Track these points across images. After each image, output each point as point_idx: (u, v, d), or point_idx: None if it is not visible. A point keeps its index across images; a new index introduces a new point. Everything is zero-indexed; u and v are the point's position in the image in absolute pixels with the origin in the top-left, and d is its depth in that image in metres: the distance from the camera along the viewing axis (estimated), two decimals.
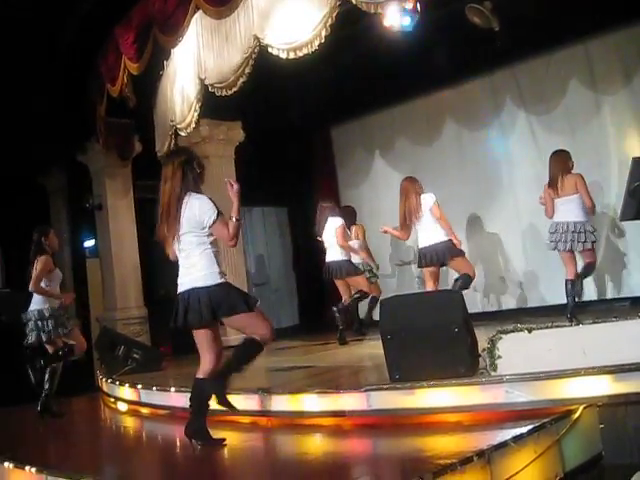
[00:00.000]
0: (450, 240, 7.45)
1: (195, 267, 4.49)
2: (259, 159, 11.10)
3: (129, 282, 11.43)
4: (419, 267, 7.87)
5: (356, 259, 9.06)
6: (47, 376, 7.03)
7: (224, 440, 4.61)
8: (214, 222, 4.46)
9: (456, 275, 7.66)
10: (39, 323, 6.97)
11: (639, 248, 8.55)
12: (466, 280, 7.38)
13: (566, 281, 7.11)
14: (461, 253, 7.54)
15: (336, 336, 8.47)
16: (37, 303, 7.06)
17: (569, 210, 6.98)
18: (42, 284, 7.01)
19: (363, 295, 8.67)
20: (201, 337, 4.60)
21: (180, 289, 4.56)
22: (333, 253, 8.63)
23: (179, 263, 4.61)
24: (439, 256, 7.44)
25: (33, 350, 7.24)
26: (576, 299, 6.92)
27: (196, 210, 4.47)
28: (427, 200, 7.53)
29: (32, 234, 7.19)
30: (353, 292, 8.66)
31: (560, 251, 7.04)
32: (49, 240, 7.20)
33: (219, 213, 4.48)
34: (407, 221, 7.66)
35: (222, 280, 4.50)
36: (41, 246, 7.11)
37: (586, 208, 6.97)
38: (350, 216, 9.77)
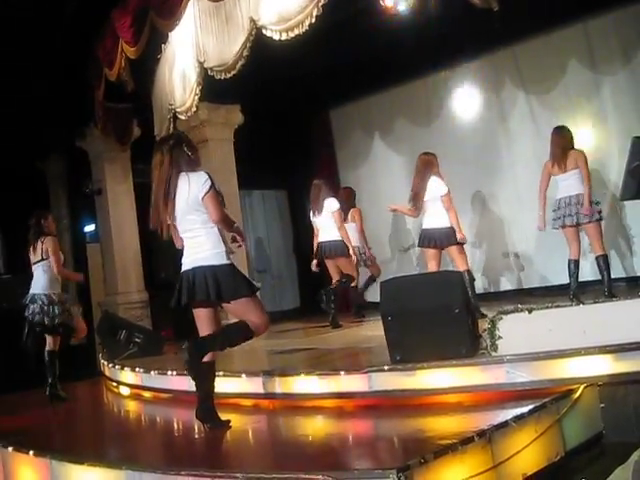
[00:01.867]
0: (451, 227, 7.31)
1: (202, 246, 4.45)
2: (258, 142, 11.08)
3: (130, 266, 11.46)
4: (419, 246, 7.79)
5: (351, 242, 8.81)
6: (47, 364, 7.06)
7: (229, 422, 4.63)
8: (205, 194, 4.40)
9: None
10: (45, 308, 6.92)
11: None
12: (471, 282, 7.24)
13: (569, 261, 7.12)
14: (460, 242, 7.37)
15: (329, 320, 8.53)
16: (44, 287, 7.02)
17: (570, 185, 7.03)
18: (45, 267, 7.01)
19: (349, 279, 8.64)
20: (202, 317, 4.59)
21: (184, 267, 4.52)
22: (327, 234, 8.52)
23: (185, 244, 4.56)
24: (440, 240, 7.33)
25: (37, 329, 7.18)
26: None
27: (193, 186, 4.42)
28: (439, 187, 7.34)
29: (29, 220, 7.16)
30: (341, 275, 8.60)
31: (566, 227, 7.05)
32: (48, 223, 7.19)
33: (212, 186, 4.42)
34: (415, 200, 7.49)
35: (228, 261, 4.47)
36: (42, 228, 7.10)
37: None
38: (349, 198, 9.71)
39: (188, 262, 4.51)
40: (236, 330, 4.57)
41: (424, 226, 7.54)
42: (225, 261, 4.45)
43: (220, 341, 4.53)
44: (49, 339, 7.09)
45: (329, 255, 8.58)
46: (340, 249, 8.48)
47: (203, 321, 4.60)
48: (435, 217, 7.38)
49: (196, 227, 4.47)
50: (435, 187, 7.34)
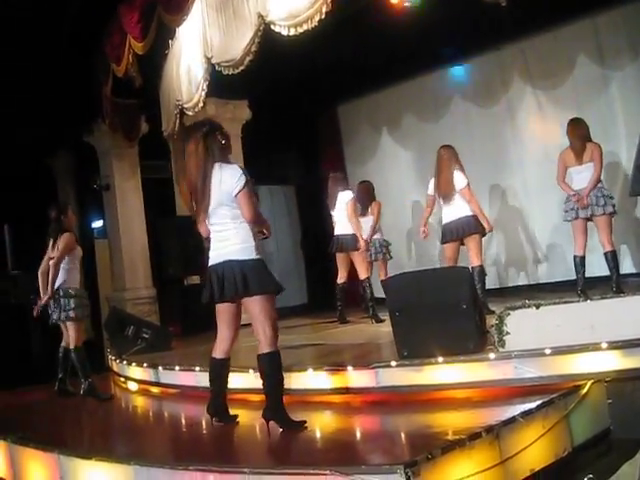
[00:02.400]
0: (474, 216, 7.26)
1: (230, 240, 4.34)
2: (266, 138, 11.08)
3: (138, 262, 11.49)
4: (442, 244, 7.61)
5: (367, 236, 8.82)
6: (60, 359, 7.09)
7: (237, 417, 4.68)
8: (240, 191, 4.28)
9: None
10: (61, 301, 6.83)
11: None
12: (482, 277, 7.26)
13: (574, 257, 7.11)
14: (481, 231, 7.32)
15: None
16: (62, 282, 6.90)
17: (585, 177, 7.00)
18: (63, 262, 6.90)
19: (368, 280, 8.60)
20: (222, 312, 4.52)
21: (213, 262, 4.41)
22: (343, 227, 8.48)
23: (211, 237, 4.46)
24: (462, 229, 7.25)
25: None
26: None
27: (227, 180, 4.30)
28: (459, 181, 7.30)
29: (49, 212, 7.05)
30: (361, 272, 8.56)
31: (579, 219, 7.01)
32: (68, 218, 7.10)
33: (247, 182, 4.31)
34: (446, 193, 7.40)
35: (258, 256, 4.36)
36: (61, 224, 7.00)
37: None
38: (368, 192, 9.51)
39: (215, 256, 4.41)
40: (269, 368, 4.38)
41: (443, 221, 7.48)
42: (254, 256, 4.34)
43: (278, 388, 4.37)
44: (65, 335, 7.04)
45: (342, 248, 8.55)
46: (353, 243, 8.42)
47: (224, 316, 4.54)
48: (454, 208, 7.31)
49: (226, 221, 4.36)
50: (456, 181, 7.31)
